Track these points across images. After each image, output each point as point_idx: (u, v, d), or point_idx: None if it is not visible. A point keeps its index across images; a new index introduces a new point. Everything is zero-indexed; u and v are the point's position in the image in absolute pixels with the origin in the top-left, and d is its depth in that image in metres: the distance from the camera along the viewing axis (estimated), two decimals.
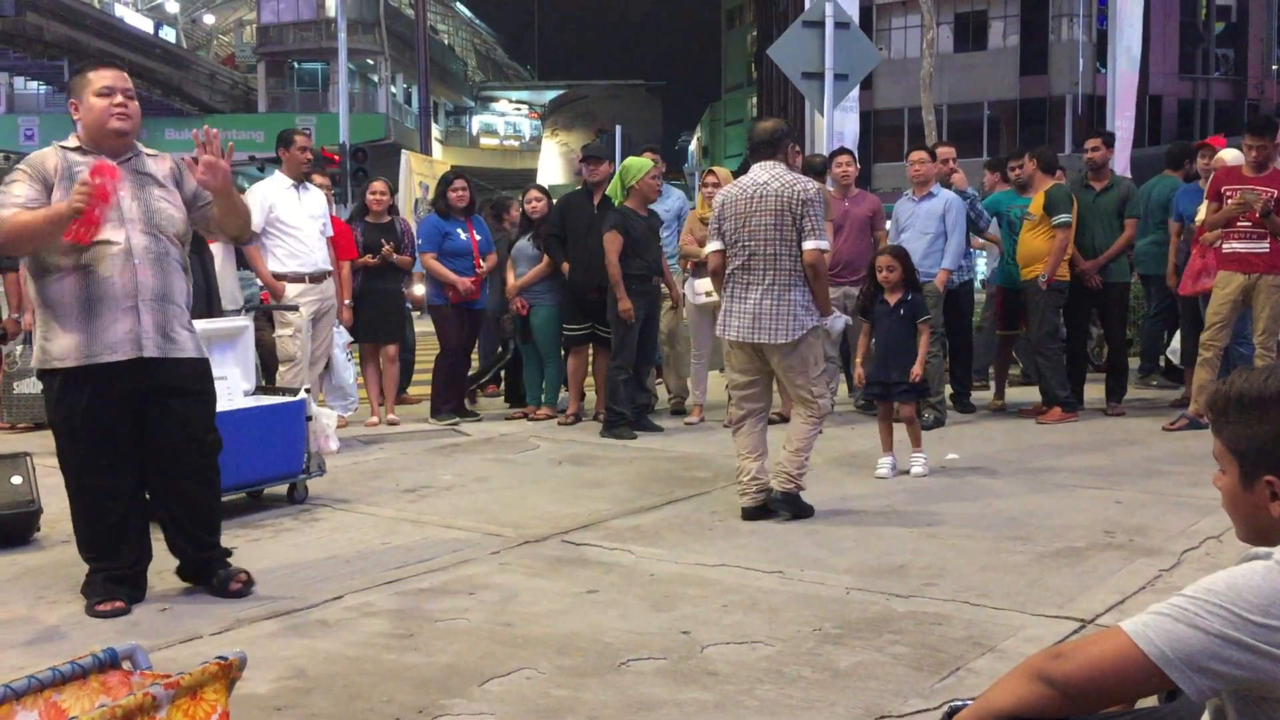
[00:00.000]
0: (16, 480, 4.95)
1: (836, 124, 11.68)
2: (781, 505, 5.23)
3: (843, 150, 8.77)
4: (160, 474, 4.12)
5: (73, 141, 4.10)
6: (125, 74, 4.15)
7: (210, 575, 4.17)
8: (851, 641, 3.54)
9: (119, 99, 4.03)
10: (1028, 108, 36.94)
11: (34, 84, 42.09)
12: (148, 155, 4.18)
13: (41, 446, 6.51)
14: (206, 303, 6.55)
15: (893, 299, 6.25)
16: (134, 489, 4.11)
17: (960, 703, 1.84)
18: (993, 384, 8.78)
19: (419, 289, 8.86)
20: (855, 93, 13.36)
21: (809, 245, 5.18)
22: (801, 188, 5.22)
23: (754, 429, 5.37)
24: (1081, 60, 35.57)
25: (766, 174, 5.30)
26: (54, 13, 35.70)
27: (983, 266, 11.48)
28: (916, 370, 6.15)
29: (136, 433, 4.04)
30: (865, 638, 3.57)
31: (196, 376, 4.16)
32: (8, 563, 4.64)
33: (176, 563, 4.28)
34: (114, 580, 4.04)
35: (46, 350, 3.96)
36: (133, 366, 3.95)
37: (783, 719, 2.97)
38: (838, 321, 5.41)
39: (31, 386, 7.87)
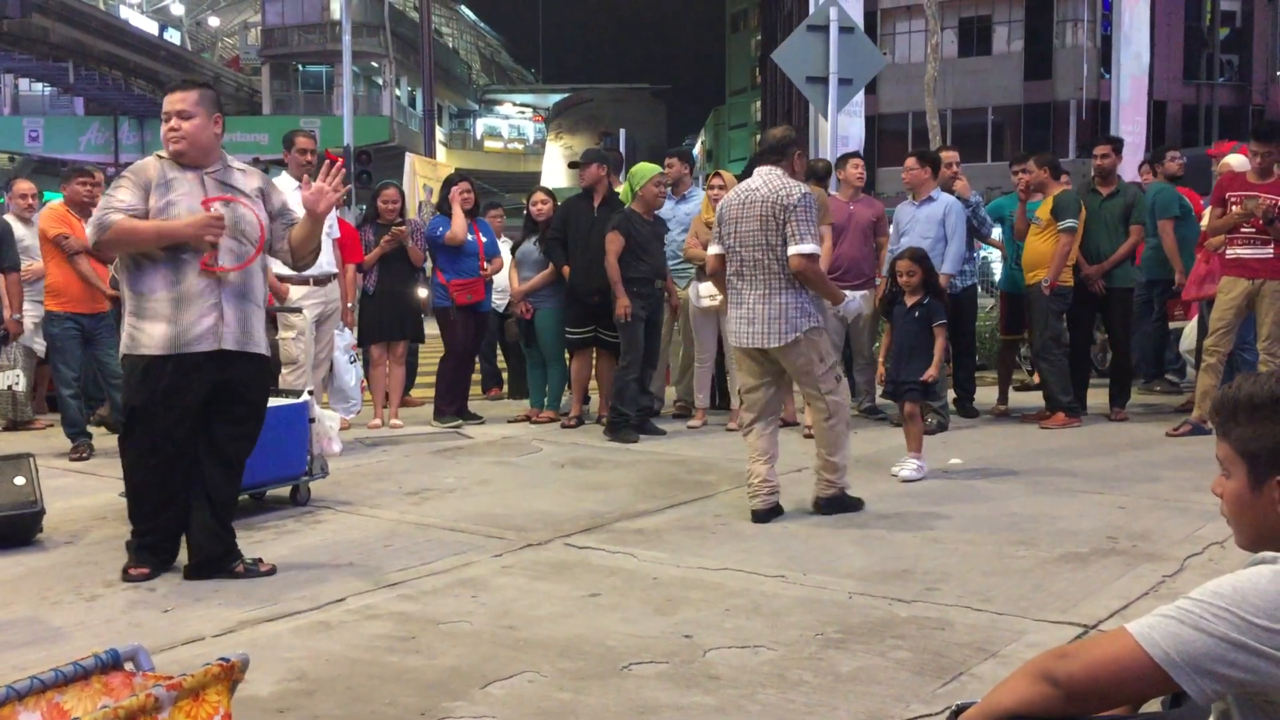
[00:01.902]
0: (20, 481, 4.95)
1: (841, 128, 11.68)
2: (827, 510, 5.29)
3: (855, 154, 8.77)
4: (209, 459, 4.39)
5: (166, 153, 4.45)
6: (187, 95, 4.41)
7: (231, 564, 4.39)
8: (854, 646, 3.53)
9: (173, 123, 4.36)
10: (1032, 113, 36.91)
11: (39, 86, 42.14)
12: (236, 169, 4.52)
13: (44, 448, 6.53)
14: None
15: (910, 301, 6.28)
16: (188, 470, 4.39)
17: (964, 704, 1.84)
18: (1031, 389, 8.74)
19: (423, 291, 8.89)
20: (860, 97, 13.38)
21: (791, 250, 5.19)
22: (786, 192, 5.23)
23: (764, 431, 5.38)
24: (1086, 66, 35.56)
25: (760, 180, 5.33)
26: (60, 14, 35.81)
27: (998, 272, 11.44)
28: (931, 372, 6.17)
29: (201, 419, 4.35)
30: (868, 642, 3.56)
31: (262, 374, 4.58)
32: (10, 563, 4.64)
33: (180, 566, 4.40)
34: (147, 548, 4.39)
35: (135, 338, 4.30)
36: (213, 358, 4.28)
37: None
38: (851, 304, 5.40)
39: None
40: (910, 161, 8.08)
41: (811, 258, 5.24)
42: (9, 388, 8.21)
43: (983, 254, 9.12)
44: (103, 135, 38.26)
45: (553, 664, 3.40)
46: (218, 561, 4.39)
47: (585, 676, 3.31)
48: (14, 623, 3.89)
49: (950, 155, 8.69)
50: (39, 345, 8.11)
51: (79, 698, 2.04)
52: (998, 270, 11.14)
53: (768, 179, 5.31)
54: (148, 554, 4.41)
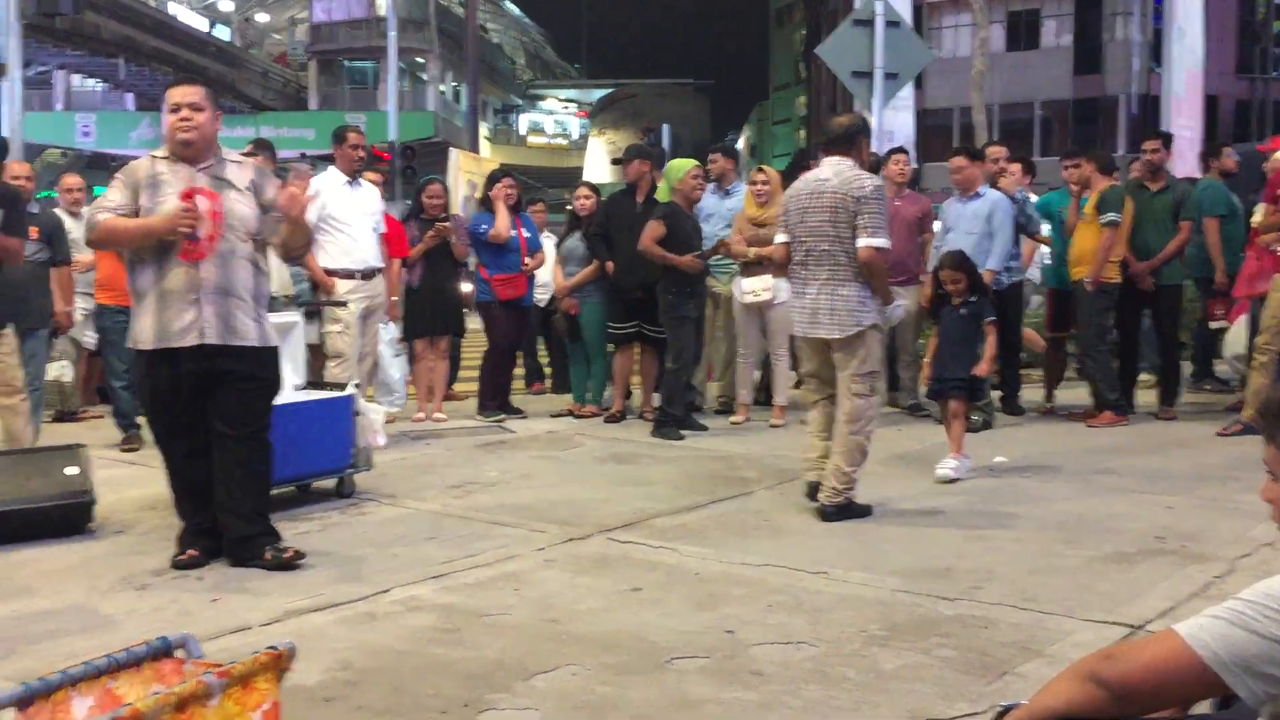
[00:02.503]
0: (72, 471, 5.04)
1: (888, 123, 11.61)
2: (835, 518, 5.17)
3: (900, 149, 8.72)
4: (216, 449, 4.49)
5: (163, 151, 4.58)
6: (196, 89, 4.56)
7: (259, 552, 4.42)
8: (897, 643, 3.52)
9: (184, 113, 4.46)
10: (1081, 107, 36.43)
11: (91, 81, 42.76)
12: (230, 162, 4.59)
13: (94, 438, 6.64)
14: None
15: (957, 300, 6.24)
16: (204, 457, 4.51)
17: (1010, 704, 1.82)
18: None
19: (467, 286, 8.94)
20: (909, 91, 13.30)
21: (862, 243, 5.15)
22: (859, 184, 5.18)
23: (827, 409, 5.38)
24: (1136, 60, 35.04)
25: (830, 170, 5.29)
26: (111, 11, 36.28)
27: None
28: (983, 367, 6.15)
29: (204, 409, 4.48)
30: (911, 640, 3.55)
31: (258, 364, 4.56)
32: (63, 552, 4.72)
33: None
34: (195, 533, 4.52)
35: (133, 333, 4.50)
36: (196, 352, 4.38)
37: None
38: (896, 310, 5.37)
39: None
40: (960, 160, 7.99)
41: (882, 251, 5.21)
42: (57, 379, 8.35)
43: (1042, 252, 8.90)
44: (153, 130, 38.66)
45: (595, 658, 3.42)
46: (240, 545, 4.46)
47: (627, 671, 3.32)
48: (66, 610, 3.96)
49: (997, 151, 8.61)
50: (88, 338, 8.24)
51: (131, 684, 2.08)
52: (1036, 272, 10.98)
53: (838, 169, 5.26)
54: (194, 542, 4.51)
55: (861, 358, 5.22)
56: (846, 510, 5.21)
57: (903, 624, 3.70)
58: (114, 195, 4.45)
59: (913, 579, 4.22)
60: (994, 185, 8.09)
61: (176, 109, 4.46)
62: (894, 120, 13.61)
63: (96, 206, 4.50)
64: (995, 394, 8.09)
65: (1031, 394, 8.67)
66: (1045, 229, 8.74)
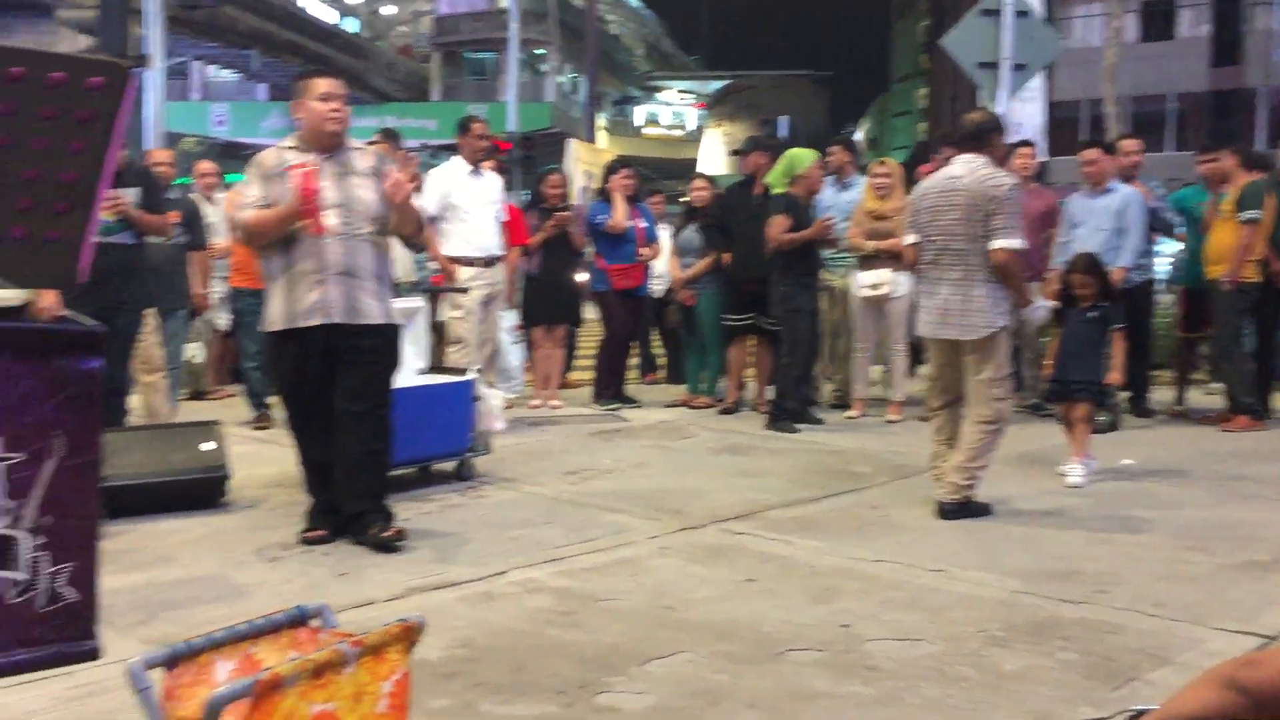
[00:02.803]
0: (208, 446, 5.24)
1: (1015, 115, 11.33)
2: (954, 515, 5.10)
3: (1025, 142, 8.51)
4: (337, 426, 4.61)
5: (289, 141, 4.74)
6: (339, 82, 4.70)
7: (367, 529, 4.53)
8: (1018, 645, 3.45)
9: (335, 104, 4.60)
10: (1218, 100, 35.04)
11: (225, 72, 44.24)
12: (354, 150, 4.73)
13: (227, 416, 6.89)
14: None
15: (1085, 303, 6.08)
16: (330, 436, 4.63)
17: (1140, 709, 1.79)
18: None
19: (582, 276, 9.04)
20: (1039, 81, 12.95)
21: (996, 244, 5.03)
22: (994, 184, 5.06)
23: (952, 416, 5.29)
24: (1277, 51, 33.57)
25: (963, 168, 5.18)
26: (247, 5, 37.53)
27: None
28: (1115, 376, 6.00)
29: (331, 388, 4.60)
30: (1032, 642, 3.48)
31: (381, 341, 4.67)
32: (199, 524, 4.92)
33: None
34: (322, 510, 4.67)
35: (266, 315, 4.67)
36: (323, 331, 4.52)
37: (947, 719, 2.93)
38: (1037, 311, 5.23)
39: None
40: (1092, 153, 7.76)
41: (1017, 253, 5.10)
42: (189, 360, 8.69)
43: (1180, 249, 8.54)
44: (283, 120, 39.83)
45: (709, 646, 3.43)
46: (351, 521, 4.59)
47: (742, 660, 3.32)
48: (201, 579, 4.13)
49: (1131, 144, 8.35)
50: (222, 319, 8.56)
51: (270, 650, 2.17)
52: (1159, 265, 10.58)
53: (972, 167, 5.15)
54: (321, 519, 4.66)
55: (997, 361, 5.12)
56: (965, 508, 5.13)
57: (1023, 625, 3.64)
58: (251, 190, 4.62)
59: (1034, 580, 4.13)
60: (1127, 180, 7.85)
61: (328, 98, 4.59)
62: (1022, 112, 13.27)
63: (237, 207, 4.66)
64: (1123, 395, 7.86)
65: (1161, 395, 8.40)
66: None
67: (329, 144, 4.62)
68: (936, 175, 5.36)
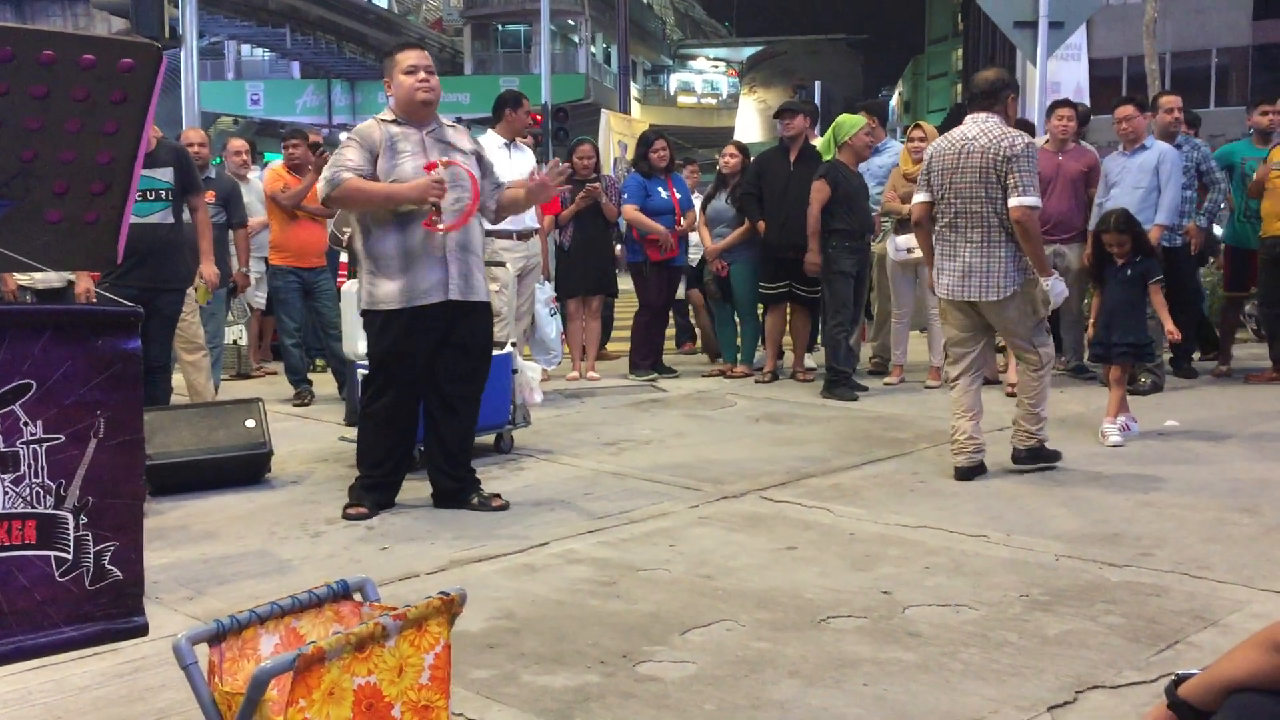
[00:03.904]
0: (250, 424, 5.30)
1: (1054, 74, 11.15)
2: (1026, 461, 5.23)
3: (1064, 103, 8.36)
4: (437, 403, 4.72)
5: (388, 115, 4.70)
6: (426, 53, 4.75)
7: (468, 498, 4.74)
8: (1061, 609, 3.43)
9: (422, 75, 4.61)
10: (1262, 54, 34.30)
11: (260, 51, 44.41)
12: (448, 126, 4.78)
13: (268, 394, 6.96)
14: None
15: (1121, 261, 6.01)
16: (415, 413, 4.76)
17: (1185, 673, 1.77)
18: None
19: (617, 246, 9.01)
20: (1081, 39, 12.72)
21: (1014, 202, 5.01)
22: (1009, 142, 5.03)
23: (970, 387, 5.26)
24: None
25: (977, 128, 5.15)
26: None
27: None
28: (1171, 330, 6.00)
29: (430, 368, 4.68)
30: (1076, 606, 3.45)
31: (486, 321, 4.82)
32: (242, 500, 4.98)
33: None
34: (366, 487, 4.72)
35: (373, 295, 4.62)
36: (441, 309, 4.58)
37: (989, 684, 2.91)
38: (1057, 288, 5.17)
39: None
40: (1128, 109, 7.61)
41: (1035, 210, 5.06)
42: (234, 341, 8.78)
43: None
44: (317, 97, 40.18)
45: (750, 614, 3.44)
46: (453, 495, 4.74)
47: (783, 627, 3.32)
48: (247, 555, 4.19)
49: (1171, 100, 8.18)
50: (259, 297, 8.62)
51: (314, 623, 2.19)
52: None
53: (985, 127, 5.13)
54: (367, 495, 4.71)
55: (1027, 313, 5.15)
56: (1038, 454, 5.24)
57: (1067, 589, 3.61)
58: (353, 155, 4.54)
59: (1077, 544, 4.10)
60: (1169, 139, 7.70)
61: (414, 70, 4.58)
62: (1060, 71, 13.04)
63: (337, 165, 4.55)
64: (1166, 355, 7.75)
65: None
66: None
67: (422, 115, 4.63)
68: (949, 135, 5.31)
